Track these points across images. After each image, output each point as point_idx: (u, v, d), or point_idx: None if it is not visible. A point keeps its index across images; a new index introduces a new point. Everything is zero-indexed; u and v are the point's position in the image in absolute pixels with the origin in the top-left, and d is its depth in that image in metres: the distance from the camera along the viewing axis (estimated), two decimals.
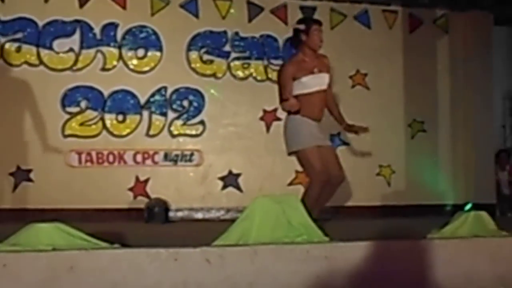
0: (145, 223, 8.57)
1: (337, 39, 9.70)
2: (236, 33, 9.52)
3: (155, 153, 9.12)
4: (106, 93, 9.02)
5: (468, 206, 9.43)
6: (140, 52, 9.15)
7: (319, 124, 6.52)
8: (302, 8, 9.76)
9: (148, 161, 9.10)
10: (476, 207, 6.69)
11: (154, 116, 9.17)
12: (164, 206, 8.81)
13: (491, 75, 10.47)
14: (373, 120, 9.56)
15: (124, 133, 9.08)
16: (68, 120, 8.90)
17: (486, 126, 10.35)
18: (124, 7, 9.13)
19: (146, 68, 9.17)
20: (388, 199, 9.73)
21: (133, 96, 9.12)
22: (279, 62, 9.43)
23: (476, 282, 5.23)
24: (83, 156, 8.91)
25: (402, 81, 10.05)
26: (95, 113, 8.98)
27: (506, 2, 10.45)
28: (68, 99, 8.89)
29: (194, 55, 9.35)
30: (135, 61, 9.14)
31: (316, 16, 9.65)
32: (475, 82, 10.31)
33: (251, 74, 9.57)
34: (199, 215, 9.18)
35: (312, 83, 6.46)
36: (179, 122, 9.26)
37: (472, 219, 5.89)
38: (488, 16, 10.55)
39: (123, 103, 9.08)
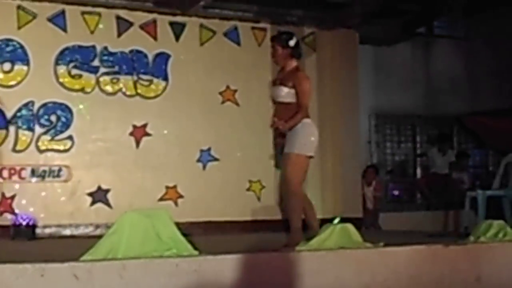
0: (11, 240, 8.62)
1: (207, 56, 10.24)
2: (105, 48, 9.72)
3: (22, 168, 9.17)
4: None
5: (336, 220, 9.96)
6: (7, 66, 9.21)
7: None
8: (171, 23, 10.13)
9: (15, 177, 9.13)
10: (344, 221, 7.14)
11: (21, 131, 9.22)
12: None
13: (357, 92, 11.14)
14: (242, 135, 10.15)
15: None
16: None
17: (352, 142, 11.00)
18: None
19: (13, 82, 9.22)
20: (258, 213, 10.16)
21: None
22: (149, 77, 9.88)
23: None
24: None
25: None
26: None
27: (371, 22, 11.22)
28: None
29: (62, 69, 9.47)
30: (1, 75, 9.17)
31: (185, 32, 10.14)
32: (342, 99, 10.94)
33: (120, 89, 9.79)
34: (68, 232, 9.28)
35: (272, 93, 7.35)
36: (46, 137, 9.34)
37: (339, 232, 6.40)
38: (353, 35, 11.28)
39: None
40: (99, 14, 9.72)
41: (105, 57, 9.75)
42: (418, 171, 13.91)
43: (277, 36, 7.53)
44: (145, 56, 9.96)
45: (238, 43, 10.55)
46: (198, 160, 10.11)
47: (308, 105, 7.12)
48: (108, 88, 9.74)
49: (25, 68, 9.30)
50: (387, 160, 13.61)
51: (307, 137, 7.08)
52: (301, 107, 6.97)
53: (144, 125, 9.82)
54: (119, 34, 9.85)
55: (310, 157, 7.19)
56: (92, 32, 9.70)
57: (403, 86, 13.40)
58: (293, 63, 7.27)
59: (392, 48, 13.16)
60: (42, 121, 9.38)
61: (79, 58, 9.60)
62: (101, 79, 9.70)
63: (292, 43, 7.22)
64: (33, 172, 9.26)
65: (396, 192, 13.83)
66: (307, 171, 7.27)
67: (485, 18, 13.88)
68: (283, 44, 7.22)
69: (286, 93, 7.06)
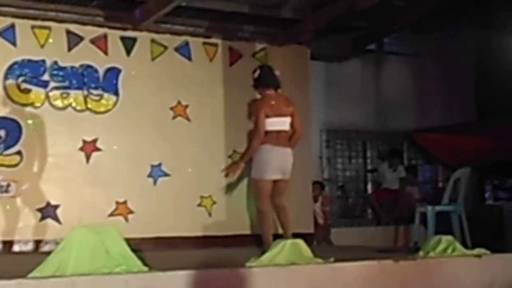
0: None
1: (158, 70, 10.25)
2: (55, 62, 9.64)
3: None
4: None
5: None
6: None
7: None
8: (122, 38, 10.09)
9: None
10: (295, 236, 7.20)
11: None
12: None
13: (309, 108, 11.17)
14: (194, 151, 10.16)
15: None
16: None
17: (304, 158, 10.84)
18: None
19: None
20: (209, 229, 10.13)
21: None
22: (99, 92, 9.85)
23: None
24: None
25: (222, 112, 10.55)
26: None
27: (323, 38, 11.34)
28: None
29: (11, 83, 9.38)
30: None
31: (136, 47, 10.12)
32: None
33: (70, 104, 9.71)
34: (16, 248, 9.17)
35: None
36: None
37: (289, 247, 6.42)
38: (305, 51, 11.39)
39: None
40: (49, 28, 9.66)
41: (55, 72, 9.66)
42: (369, 186, 14.02)
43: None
44: (96, 70, 9.90)
45: (190, 58, 10.54)
46: (149, 176, 10.07)
47: (260, 128, 7.77)
48: (58, 103, 9.66)
49: None
50: (338, 175, 13.70)
51: (261, 162, 7.79)
52: (254, 132, 7.75)
53: (94, 140, 9.77)
54: (70, 49, 9.78)
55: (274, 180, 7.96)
56: (42, 46, 9.62)
57: (354, 102, 13.53)
58: (262, 93, 8.07)
59: (343, 64, 13.30)
60: None
61: (28, 72, 9.51)
62: (50, 93, 9.62)
63: (255, 75, 8.02)
64: None
65: (347, 208, 13.93)
66: (269, 190, 7.98)
67: (433, 35, 14.11)
68: (253, 77, 8.08)
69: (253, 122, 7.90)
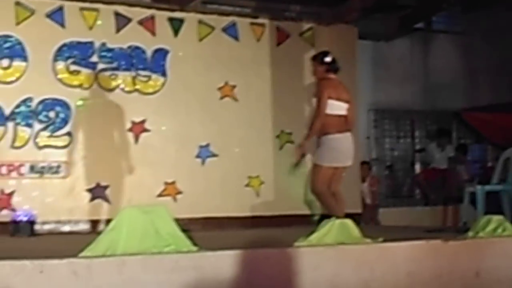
0: (11, 236, 8.60)
1: (206, 51, 10.26)
2: (104, 44, 9.72)
3: (21, 165, 9.17)
4: None
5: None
6: (5, 62, 9.21)
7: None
8: (169, 19, 10.13)
9: (14, 174, 9.13)
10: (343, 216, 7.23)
11: (19, 128, 9.23)
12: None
13: (356, 88, 10.99)
14: (241, 131, 10.17)
15: None
16: None
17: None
18: None
19: (11, 79, 9.22)
20: (257, 209, 10.16)
21: None
22: (147, 73, 9.89)
23: (341, 287, 5.65)
24: None
25: (270, 93, 10.55)
26: None
27: (370, 17, 11.24)
28: None
29: (60, 65, 9.48)
30: None
31: (184, 28, 10.14)
32: None
33: (118, 85, 9.79)
34: (67, 228, 9.29)
35: None
36: (45, 134, 9.34)
37: (338, 227, 6.34)
38: (352, 30, 11.30)
39: None
40: (97, 10, 9.73)
41: (104, 53, 9.75)
42: (417, 166, 13.93)
43: (315, 55, 8.44)
44: (144, 52, 9.97)
45: (237, 39, 10.55)
46: (197, 156, 10.12)
47: (322, 109, 7.89)
48: (107, 84, 9.75)
49: (23, 64, 9.30)
50: (386, 155, 13.65)
51: (328, 151, 7.95)
52: (317, 112, 7.90)
53: (143, 121, 9.83)
54: (118, 30, 9.86)
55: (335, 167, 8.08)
56: (90, 28, 9.70)
57: (402, 81, 13.44)
58: (325, 76, 8.15)
59: (390, 43, 13.20)
60: (41, 117, 9.38)
61: (77, 54, 9.60)
62: (99, 75, 9.70)
63: (328, 59, 8.21)
64: (32, 169, 9.25)
65: (395, 188, 13.88)
66: (329, 176, 8.09)
67: (483, 14, 13.92)
68: (320, 61, 8.22)
69: (314, 102, 8.09)
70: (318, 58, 8.28)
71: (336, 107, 7.99)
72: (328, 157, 7.96)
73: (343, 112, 8.07)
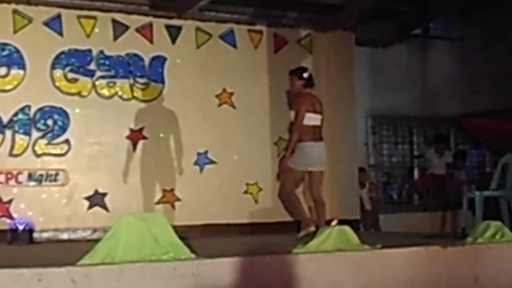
0: (8, 244, 8.62)
1: (203, 58, 10.28)
2: (101, 52, 9.75)
3: (19, 173, 9.19)
4: None
5: (334, 223, 9.97)
6: (3, 70, 9.24)
7: None
8: (167, 27, 10.15)
9: (12, 182, 9.15)
10: (342, 222, 7.21)
11: (18, 136, 9.25)
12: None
13: (354, 94, 11.17)
14: (239, 138, 10.18)
15: None
16: None
17: (349, 144, 11.02)
18: None
19: (9, 87, 9.25)
20: (255, 216, 10.17)
21: None
22: (145, 80, 9.91)
23: None
24: None
25: (267, 99, 10.58)
26: None
27: (367, 24, 11.25)
28: None
29: (58, 73, 9.49)
30: None
31: (181, 35, 10.16)
32: (338, 101, 10.94)
33: (116, 93, 9.80)
34: (65, 236, 9.29)
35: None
36: (43, 142, 9.36)
37: (336, 234, 6.36)
38: (350, 37, 11.31)
39: None
40: (95, 18, 9.75)
41: (102, 61, 9.77)
42: (416, 172, 13.91)
43: (294, 70, 8.76)
44: (141, 59, 9.98)
45: (235, 46, 10.57)
46: (195, 163, 10.12)
47: (299, 122, 8.32)
48: (105, 92, 9.76)
49: (21, 72, 9.32)
50: (384, 161, 13.63)
51: (302, 156, 8.36)
52: (296, 124, 8.34)
53: (141, 129, 9.81)
54: (115, 38, 9.87)
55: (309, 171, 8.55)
56: (88, 36, 9.73)
57: (399, 88, 13.41)
58: (302, 91, 8.58)
59: (388, 49, 13.19)
60: (39, 125, 9.40)
61: (75, 62, 9.63)
62: (97, 82, 9.72)
63: (306, 75, 8.58)
64: (30, 176, 9.27)
65: (394, 194, 13.86)
66: (299, 178, 8.64)
67: (480, 19, 13.93)
68: (298, 76, 8.60)
69: (292, 115, 8.48)
70: (297, 73, 8.66)
71: (312, 119, 8.47)
72: (301, 162, 8.39)
73: (317, 122, 8.55)
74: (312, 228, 7.93)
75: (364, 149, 13.09)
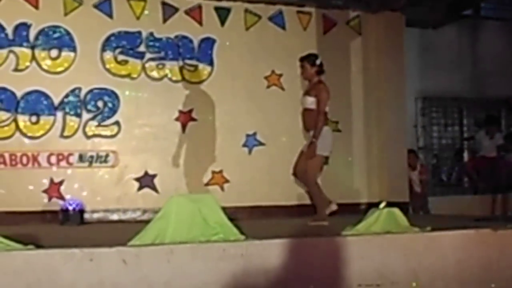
0: (60, 225, 8.77)
1: (252, 40, 10.26)
2: (151, 34, 9.80)
3: (70, 154, 9.32)
4: (19, 94, 9.19)
5: (383, 205, 9.91)
6: (54, 52, 9.35)
7: (308, 134, 8.40)
8: (216, 8, 10.16)
9: (63, 163, 9.28)
10: (390, 205, 7.17)
11: (68, 117, 9.36)
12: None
13: (404, 76, 11.01)
14: (288, 120, 10.13)
15: (38, 134, 9.25)
16: None
17: (399, 126, 10.90)
18: (36, 7, 9.30)
19: (60, 69, 9.36)
20: (303, 198, 10.01)
21: (47, 97, 9.29)
22: (194, 62, 9.93)
23: (389, 276, 5.72)
24: None
25: None
26: (8, 114, 9.15)
27: (417, 4, 11.12)
28: None
29: (108, 55, 9.58)
30: (48, 62, 9.33)
31: (230, 17, 10.15)
32: (387, 83, 10.85)
33: (166, 75, 9.86)
34: (115, 217, 9.41)
35: (301, 102, 8.54)
36: (93, 123, 9.47)
37: (385, 216, 6.38)
38: (399, 18, 11.15)
39: (36, 104, 9.25)
40: (144, 0, 9.81)
41: (151, 43, 9.82)
42: (466, 154, 13.79)
43: (305, 56, 8.52)
44: (191, 41, 10.01)
45: (283, 27, 10.53)
46: (244, 145, 10.15)
47: (324, 110, 8.28)
48: (154, 74, 9.82)
49: (72, 54, 9.43)
50: (433, 143, 13.53)
51: (328, 142, 8.34)
52: (320, 112, 8.21)
53: (190, 111, 9.85)
54: (165, 20, 9.91)
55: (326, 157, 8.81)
56: (138, 18, 9.79)
57: (449, 69, 13.28)
58: (320, 78, 8.46)
59: (438, 30, 13.07)
60: (89, 107, 9.50)
61: (125, 44, 9.71)
62: (147, 65, 9.78)
63: (318, 61, 8.44)
64: (81, 158, 9.40)
65: (443, 177, 13.75)
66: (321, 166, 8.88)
67: None
68: (311, 63, 8.42)
69: (310, 102, 8.25)
70: (310, 60, 8.49)
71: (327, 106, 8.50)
72: (327, 147, 8.38)
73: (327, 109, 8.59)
74: (334, 206, 8.38)
75: (414, 131, 13.00)
